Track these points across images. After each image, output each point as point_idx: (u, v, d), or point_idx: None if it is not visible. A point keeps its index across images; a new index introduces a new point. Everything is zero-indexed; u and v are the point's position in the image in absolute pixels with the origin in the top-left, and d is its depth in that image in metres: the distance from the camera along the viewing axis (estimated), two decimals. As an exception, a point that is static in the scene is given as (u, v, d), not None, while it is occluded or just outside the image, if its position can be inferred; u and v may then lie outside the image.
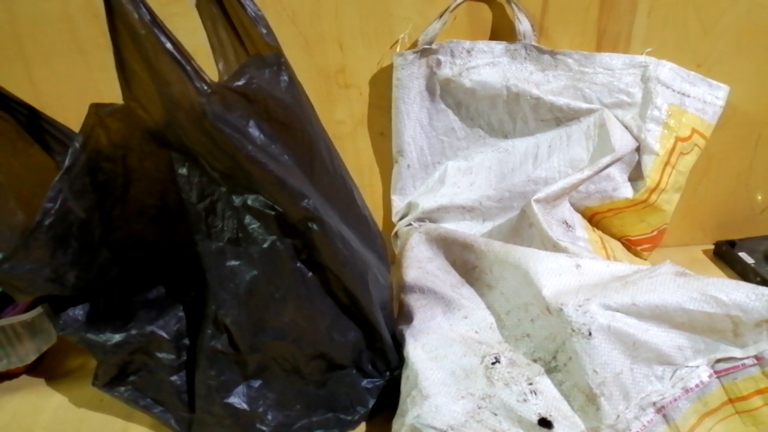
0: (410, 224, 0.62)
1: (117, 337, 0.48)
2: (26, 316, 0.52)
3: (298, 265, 0.44)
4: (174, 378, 0.49)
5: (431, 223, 0.62)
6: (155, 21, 0.35)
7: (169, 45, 0.35)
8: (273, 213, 0.43)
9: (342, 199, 0.46)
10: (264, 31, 0.41)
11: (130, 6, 0.35)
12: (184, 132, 0.40)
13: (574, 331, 0.43)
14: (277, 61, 0.40)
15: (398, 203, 0.65)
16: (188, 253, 0.48)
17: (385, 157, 0.65)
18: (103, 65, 0.58)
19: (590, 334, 0.43)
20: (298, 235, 0.43)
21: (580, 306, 0.44)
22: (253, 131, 0.40)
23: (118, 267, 0.49)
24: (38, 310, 0.53)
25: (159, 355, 0.49)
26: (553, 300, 0.45)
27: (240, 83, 0.38)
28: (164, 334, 0.48)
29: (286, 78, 0.41)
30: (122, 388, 0.50)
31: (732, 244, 0.68)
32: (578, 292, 0.45)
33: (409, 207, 0.64)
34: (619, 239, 0.64)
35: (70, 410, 0.54)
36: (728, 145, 0.66)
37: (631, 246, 0.64)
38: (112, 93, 0.59)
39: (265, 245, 0.43)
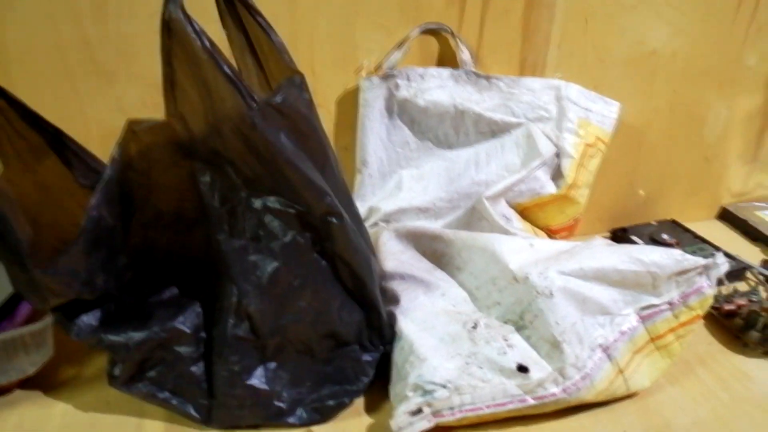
0: (376, 224, 0.71)
1: (139, 335, 0.51)
2: (37, 326, 0.53)
3: (315, 255, 0.52)
4: (194, 369, 0.53)
5: (393, 223, 0.72)
6: (214, 48, 0.42)
7: (226, 69, 0.42)
8: (293, 211, 0.49)
9: (345, 198, 0.54)
10: (287, 57, 0.49)
11: (193, 36, 0.41)
12: (224, 142, 0.46)
13: (539, 293, 0.54)
14: (301, 82, 0.48)
15: (359, 208, 0.74)
16: (202, 256, 0.54)
17: (348, 169, 0.73)
18: (90, 91, 0.61)
19: (551, 294, 0.54)
20: (316, 228, 0.50)
21: (541, 273, 0.55)
22: (284, 140, 0.47)
23: (131, 272, 0.53)
24: (47, 320, 0.54)
25: (178, 348, 0.52)
26: (519, 271, 0.56)
27: (278, 100, 0.46)
28: (186, 329, 0.52)
29: (306, 96, 0.49)
30: (140, 385, 0.53)
31: (624, 230, 0.84)
32: (537, 264, 0.57)
33: (370, 211, 0.73)
34: (542, 229, 0.78)
35: (79, 415, 0.55)
36: (617, 151, 0.81)
37: (551, 234, 0.78)
38: (99, 117, 0.63)
39: (287, 239, 0.50)
